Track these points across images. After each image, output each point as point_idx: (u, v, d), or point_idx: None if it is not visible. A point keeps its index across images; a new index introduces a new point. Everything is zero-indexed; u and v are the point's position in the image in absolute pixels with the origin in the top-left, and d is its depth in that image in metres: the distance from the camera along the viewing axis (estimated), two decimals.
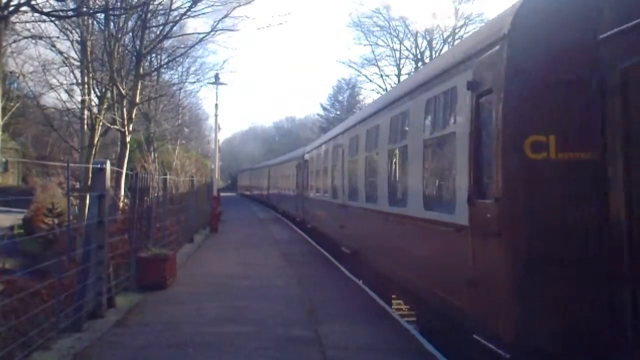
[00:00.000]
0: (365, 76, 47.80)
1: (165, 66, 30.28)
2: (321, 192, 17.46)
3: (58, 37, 19.88)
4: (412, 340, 7.05)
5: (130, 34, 21.81)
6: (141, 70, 21.50)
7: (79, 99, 24.60)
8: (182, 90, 35.87)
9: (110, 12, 15.79)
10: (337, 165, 14.41)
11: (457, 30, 39.58)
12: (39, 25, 19.07)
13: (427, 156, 7.42)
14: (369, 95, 60.32)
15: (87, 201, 12.91)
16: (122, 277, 9.58)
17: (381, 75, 45.08)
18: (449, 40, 39.38)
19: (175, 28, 22.61)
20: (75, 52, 21.19)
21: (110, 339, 6.85)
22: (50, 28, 20.38)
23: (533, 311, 4.75)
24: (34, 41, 21.00)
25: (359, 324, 7.80)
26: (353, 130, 12.57)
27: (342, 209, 13.29)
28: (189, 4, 19.79)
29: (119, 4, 16.14)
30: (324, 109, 68.39)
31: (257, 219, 31.42)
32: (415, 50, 42.13)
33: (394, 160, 9.21)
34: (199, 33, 23.93)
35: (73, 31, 19.44)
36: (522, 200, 4.89)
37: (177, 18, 20.86)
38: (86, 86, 22.32)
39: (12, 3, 10.12)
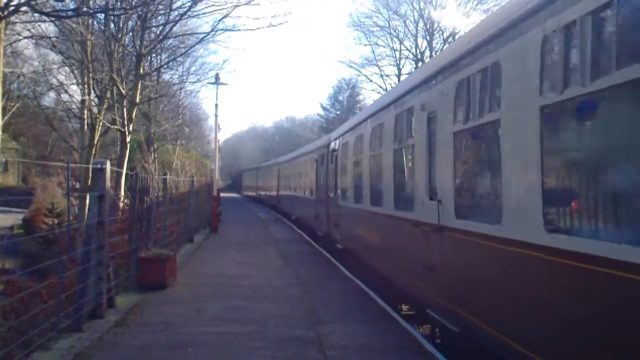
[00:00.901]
0: (365, 76, 47.95)
1: (165, 66, 30.25)
2: (366, 197, 10.81)
3: (58, 38, 19.87)
4: (412, 340, 7.06)
5: (130, 34, 21.82)
6: (141, 70, 21.48)
7: (77, 97, 24.66)
8: (182, 90, 35.83)
9: (110, 12, 15.76)
10: (410, 150, 8.02)
11: (456, 31, 39.63)
12: (39, 25, 19.08)
13: None
14: (369, 95, 60.46)
15: (87, 201, 12.91)
16: (122, 277, 9.59)
17: (381, 75, 45.21)
18: (449, 40, 39.39)
19: (175, 28, 22.61)
20: (75, 52, 21.17)
21: (110, 339, 6.85)
22: (50, 28, 20.41)
23: None
24: (34, 41, 21.02)
25: (359, 324, 7.80)
26: (473, 63, 5.86)
27: (432, 236, 6.85)
28: (189, 4, 19.77)
29: (119, 4, 16.12)
30: (324, 109, 68.51)
31: (259, 220, 31.42)
32: (415, 50, 42.21)
33: None
34: (199, 33, 23.98)
35: (72, 31, 19.44)
36: None
37: (177, 18, 20.84)
38: (86, 86, 22.31)
39: (12, 3, 10.11)
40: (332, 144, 15.88)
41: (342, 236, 13.93)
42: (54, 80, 24.71)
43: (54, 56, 24.22)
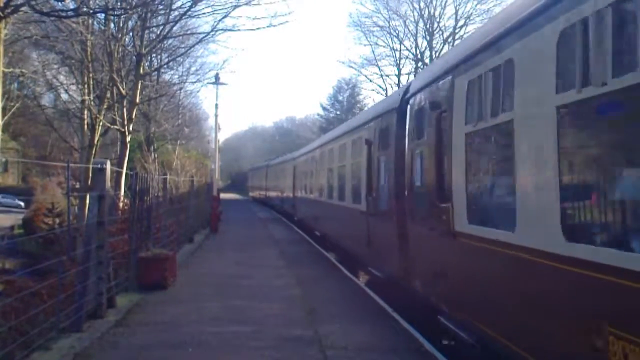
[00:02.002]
0: (365, 76, 48.10)
1: (165, 66, 30.27)
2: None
3: (57, 38, 19.88)
4: (412, 340, 7.06)
5: (130, 34, 21.84)
6: (141, 70, 21.50)
7: (74, 95, 24.65)
8: (182, 90, 35.86)
9: (110, 12, 15.77)
10: None
11: (457, 30, 39.67)
12: (38, 25, 19.07)
13: None
14: (369, 95, 60.56)
15: (87, 201, 12.91)
16: (122, 277, 9.59)
17: (381, 75, 45.29)
18: (449, 40, 39.44)
19: (175, 28, 22.63)
20: (76, 53, 21.20)
21: (110, 339, 6.85)
22: (50, 28, 20.39)
23: None
24: (33, 41, 21.00)
25: (358, 324, 7.80)
26: None
27: None
28: (189, 4, 19.80)
29: (119, 4, 16.13)
30: (324, 109, 68.59)
31: (259, 220, 31.42)
32: (415, 50, 42.26)
33: None
34: (199, 33, 24.00)
35: (72, 31, 19.48)
36: None
37: (177, 18, 20.87)
38: (86, 86, 22.32)
39: (12, 3, 10.11)
40: (418, 99, 7.74)
41: (468, 311, 5.99)
42: (54, 81, 24.75)
43: (53, 55, 24.18)
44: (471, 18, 39.32)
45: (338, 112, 64.44)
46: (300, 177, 24.80)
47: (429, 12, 40.39)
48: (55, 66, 24.44)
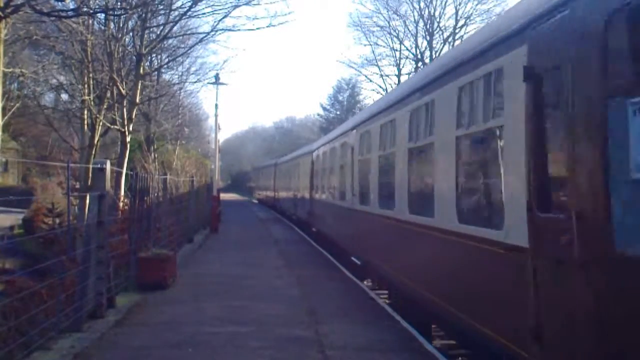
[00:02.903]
0: (365, 76, 47.99)
1: (165, 66, 30.25)
2: None
3: (57, 38, 19.87)
4: (412, 340, 7.06)
5: (130, 34, 21.84)
6: (141, 70, 21.50)
7: (75, 95, 24.62)
8: (182, 90, 35.85)
9: (110, 12, 15.77)
10: None
11: (457, 30, 39.67)
12: (38, 25, 19.07)
13: None
14: (369, 95, 60.52)
15: (87, 201, 12.91)
16: (122, 277, 9.60)
17: (381, 75, 45.21)
18: (449, 40, 39.44)
19: (175, 28, 22.64)
20: (76, 53, 21.18)
21: (110, 339, 6.85)
22: (50, 28, 20.38)
23: None
24: (33, 41, 20.98)
25: (358, 324, 7.80)
26: None
27: None
28: (189, 4, 19.81)
29: (119, 4, 16.12)
30: (324, 109, 68.51)
31: (260, 221, 31.41)
32: (415, 50, 42.22)
33: None
34: (199, 33, 24.01)
35: (72, 31, 19.46)
36: None
37: (177, 18, 20.88)
38: (86, 86, 22.31)
39: (12, 3, 10.11)
40: None
41: None
42: (54, 81, 24.73)
43: (53, 54, 24.14)
44: (471, 18, 39.36)
45: (338, 112, 64.40)
46: (323, 174, 17.94)
47: (429, 12, 40.38)
48: (55, 66, 24.40)
